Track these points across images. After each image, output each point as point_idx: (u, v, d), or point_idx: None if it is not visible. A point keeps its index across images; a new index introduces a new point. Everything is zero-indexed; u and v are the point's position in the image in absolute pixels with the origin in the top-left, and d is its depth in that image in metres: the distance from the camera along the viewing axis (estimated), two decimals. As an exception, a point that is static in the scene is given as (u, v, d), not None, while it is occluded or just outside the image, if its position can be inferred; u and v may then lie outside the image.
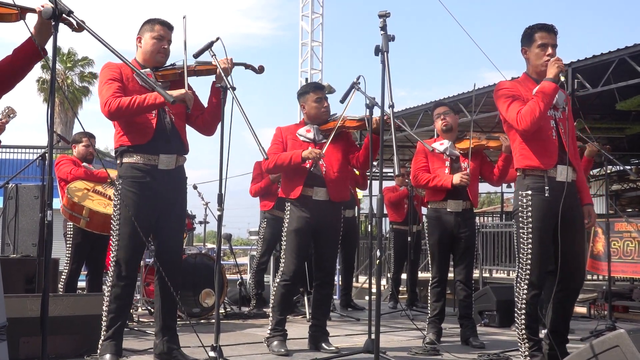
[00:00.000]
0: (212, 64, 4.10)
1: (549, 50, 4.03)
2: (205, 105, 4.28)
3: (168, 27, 4.19)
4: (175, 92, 3.87)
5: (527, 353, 3.95)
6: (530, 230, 3.95)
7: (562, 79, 3.89)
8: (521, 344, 4.00)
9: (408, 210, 8.32)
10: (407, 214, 8.31)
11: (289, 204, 4.86)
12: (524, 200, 3.99)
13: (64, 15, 2.90)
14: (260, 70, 4.34)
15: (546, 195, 3.93)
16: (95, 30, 3.05)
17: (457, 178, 5.16)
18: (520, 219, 4.00)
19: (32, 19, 3.02)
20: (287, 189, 4.87)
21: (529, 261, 3.94)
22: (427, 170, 5.35)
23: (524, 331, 3.96)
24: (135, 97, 3.87)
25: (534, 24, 4.10)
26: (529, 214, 3.96)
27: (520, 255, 3.99)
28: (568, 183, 3.97)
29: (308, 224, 4.77)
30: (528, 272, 3.94)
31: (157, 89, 3.12)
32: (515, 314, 4.00)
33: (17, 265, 6.13)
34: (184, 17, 3.94)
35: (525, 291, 3.95)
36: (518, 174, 4.11)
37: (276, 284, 4.83)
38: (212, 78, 4.23)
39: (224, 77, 4.00)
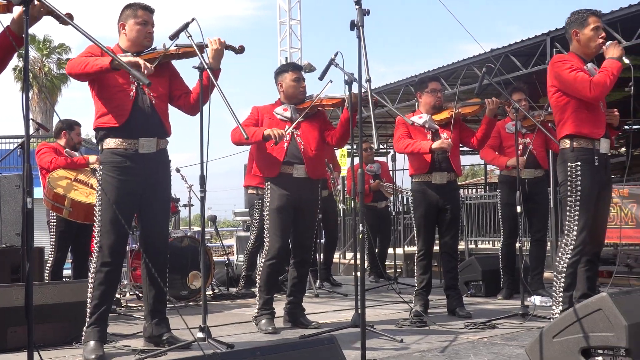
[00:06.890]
0: (193, 47, 4.06)
1: (602, 33, 4.34)
2: (190, 87, 4.26)
3: (150, 11, 4.18)
4: (125, 59, 3.69)
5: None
6: (578, 198, 4.21)
7: (627, 62, 4.20)
8: (555, 305, 4.24)
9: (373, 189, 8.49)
10: (373, 193, 8.48)
11: (268, 182, 4.88)
12: (573, 171, 4.24)
13: (34, 1, 2.86)
14: (240, 50, 4.28)
15: (596, 164, 4.22)
16: (70, 16, 3.01)
17: (437, 143, 5.17)
18: (569, 188, 4.25)
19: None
20: (265, 168, 4.89)
21: (576, 227, 4.20)
22: (409, 137, 5.34)
23: (561, 294, 4.21)
24: (89, 60, 3.79)
25: (583, 9, 4.37)
26: (578, 182, 4.22)
27: (567, 223, 4.26)
28: (608, 155, 4.34)
29: (289, 201, 4.80)
30: (574, 238, 4.21)
31: (132, 72, 3.09)
32: (555, 278, 4.26)
33: (1, 255, 6.11)
34: (193, 19, 4.00)
35: (569, 256, 4.22)
36: (563, 144, 4.33)
37: (261, 264, 4.86)
38: (196, 60, 4.15)
39: (205, 56, 4.00)
